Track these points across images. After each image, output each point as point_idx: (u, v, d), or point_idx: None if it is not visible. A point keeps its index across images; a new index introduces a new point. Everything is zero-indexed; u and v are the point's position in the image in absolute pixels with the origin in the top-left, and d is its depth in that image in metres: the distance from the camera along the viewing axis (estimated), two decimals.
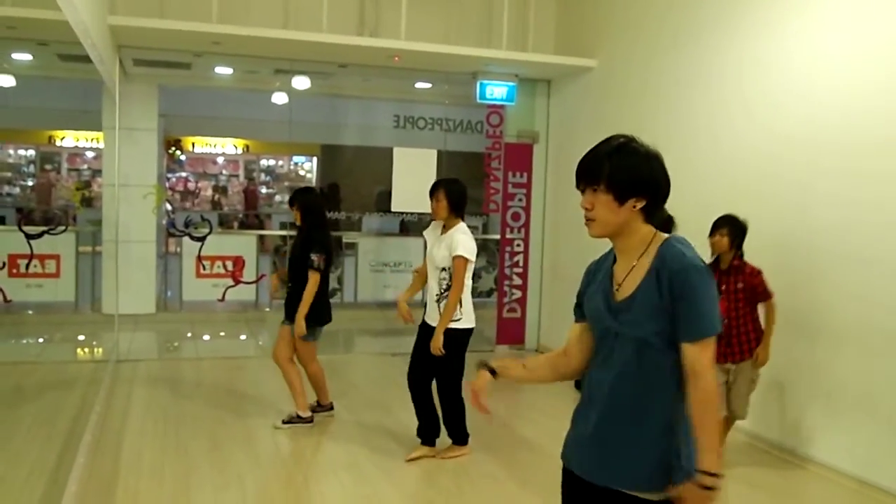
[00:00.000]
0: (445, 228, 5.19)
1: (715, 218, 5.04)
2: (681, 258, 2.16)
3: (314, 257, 5.63)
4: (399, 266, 10.42)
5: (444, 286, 5.11)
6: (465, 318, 5.12)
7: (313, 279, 5.63)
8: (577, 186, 2.30)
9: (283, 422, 5.86)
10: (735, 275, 4.96)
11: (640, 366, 2.21)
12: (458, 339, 5.14)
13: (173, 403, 6.49)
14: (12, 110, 12.42)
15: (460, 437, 5.37)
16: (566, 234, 8.86)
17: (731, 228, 4.96)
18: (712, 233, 4.98)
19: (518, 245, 9.19)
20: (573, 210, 8.97)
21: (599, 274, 2.40)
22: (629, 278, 2.25)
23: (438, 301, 5.14)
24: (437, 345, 5.00)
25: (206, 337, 9.66)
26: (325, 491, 4.81)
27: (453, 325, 5.07)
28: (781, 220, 5.61)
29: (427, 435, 5.38)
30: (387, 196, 12.40)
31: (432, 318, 5.17)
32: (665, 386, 2.20)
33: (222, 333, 9.86)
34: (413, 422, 5.44)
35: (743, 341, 5.00)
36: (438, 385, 5.30)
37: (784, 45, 5.77)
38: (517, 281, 9.18)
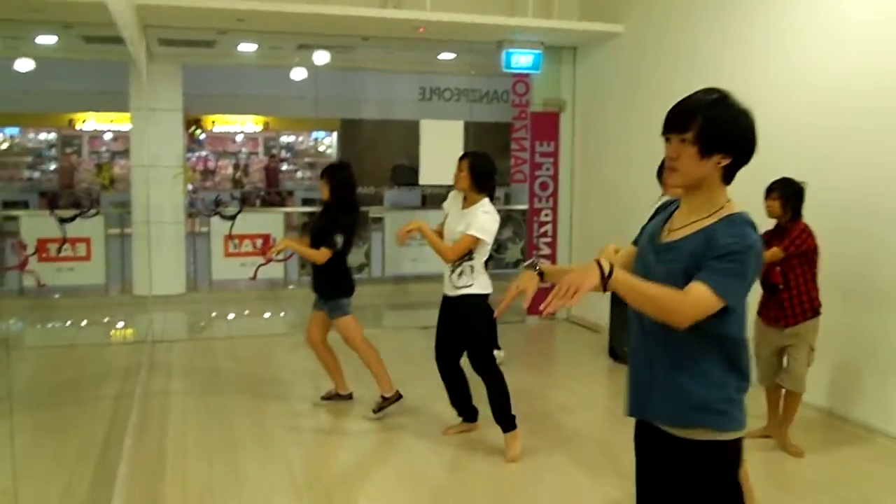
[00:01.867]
0: (467, 202, 4.96)
1: (764, 184, 4.95)
2: (740, 234, 2.17)
3: (337, 238, 5.44)
4: (425, 239, 10.38)
5: (462, 259, 4.90)
6: (477, 285, 4.90)
7: (325, 252, 5.41)
8: (664, 133, 2.28)
9: (374, 411, 5.61)
10: (786, 237, 4.86)
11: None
12: (476, 306, 4.92)
13: (212, 382, 6.53)
14: (33, 95, 12.39)
15: (507, 420, 4.93)
16: (595, 202, 8.80)
17: (781, 192, 4.86)
18: (766, 197, 4.89)
19: (546, 215, 9.13)
20: (602, 178, 8.95)
21: (653, 220, 2.47)
22: (684, 229, 2.29)
23: (454, 273, 4.93)
24: (403, 230, 4.88)
25: (238, 315, 9.70)
26: (370, 466, 4.83)
27: (466, 291, 4.89)
28: (831, 182, 5.51)
29: (464, 412, 5.29)
30: (405, 170, 12.31)
31: (449, 290, 4.99)
32: (690, 333, 2.21)
33: (252, 312, 9.90)
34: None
35: (795, 304, 4.85)
36: (472, 363, 5.00)
37: (827, 7, 5.66)
38: (546, 251, 9.14)
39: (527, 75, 8.91)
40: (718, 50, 6.69)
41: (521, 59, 8.59)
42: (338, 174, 5.66)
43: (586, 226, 9.02)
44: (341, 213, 5.55)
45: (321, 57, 9.17)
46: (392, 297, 10.34)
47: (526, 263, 2.48)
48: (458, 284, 4.91)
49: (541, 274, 2.40)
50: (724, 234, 2.17)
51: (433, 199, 11.94)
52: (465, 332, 4.99)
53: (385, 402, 5.60)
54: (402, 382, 6.41)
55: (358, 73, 12.19)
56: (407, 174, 13.26)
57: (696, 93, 2.25)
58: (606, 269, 2.12)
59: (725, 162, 2.21)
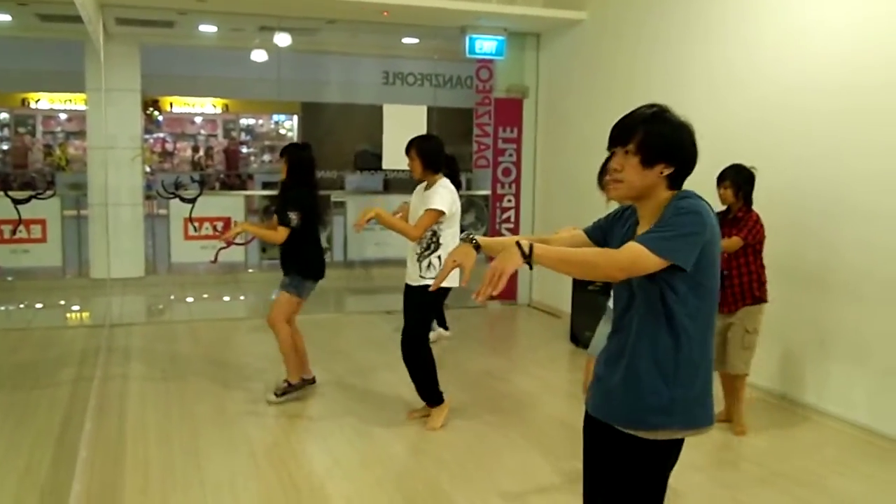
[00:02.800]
0: (427, 186, 5.08)
1: (717, 171, 5.04)
2: (682, 205, 2.24)
3: (292, 215, 5.35)
4: (385, 225, 10.37)
5: (425, 244, 4.97)
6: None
7: (282, 230, 5.36)
8: (609, 148, 2.37)
9: (276, 394, 5.61)
10: (735, 225, 4.96)
11: (638, 309, 2.32)
12: (433, 296, 4.84)
13: (172, 366, 6.47)
14: None
15: (434, 397, 5.20)
16: (557, 188, 8.87)
17: (733, 179, 4.95)
18: (718, 185, 4.97)
19: (509, 200, 9.18)
20: (564, 164, 9.00)
21: (626, 226, 2.45)
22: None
23: (419, 260, 4.99)
24: (360, 219, 4.85)
25: (197, 299, 9.62)
26: (335, 449, 4.84)
27: (426, 282, 4.94)
28: (783, 172, 5.62)
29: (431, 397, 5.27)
30: (368, 155, 12.22)
31: (412, 278, 5.05)
32: (657, 328, 2.27)
33: (212, 295, 9.81)
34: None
35: (737, 291, 4.97)
36: (404, 340, 5.10)
37: None
38: (508, 236, 9.18)
39: (490, 61, 8.94)
40: (680, 38, 6.76)
41: (485, 45, 8.60)
42: (296, 153, 5.61)
43: (548, 211, 9.09)
44: (294, 190, 5.48)
45: (283, 39, 9.09)
46: (355, 282, 10.32)
47: (461, 237, 2.50)
48: (426, 276, 4.96)
49: (477, 247, 2.39)
50: (667, 212, 2.25)
51: (395, 183, 11.92)
52: (412, 312, 5.09)
53: (290, 388, 5.64)
54: (368, 368, 6.43)
55: (321, 57, 12.09)
56: (369, 160, 13.23)
57: (637, 108, 2.36)
58: (526, 248, 2.14)
59: (668, 171, 2.28)
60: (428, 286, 4.66)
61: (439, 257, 4.92)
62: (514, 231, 9.21)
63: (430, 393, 5.19)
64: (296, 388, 5.67)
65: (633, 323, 2.33)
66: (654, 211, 2.31)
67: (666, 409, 2.26)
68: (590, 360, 4.16)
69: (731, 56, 6.21)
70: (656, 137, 2.28)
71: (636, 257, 2.17)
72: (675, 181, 2.31)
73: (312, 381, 5.87)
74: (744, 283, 4.99)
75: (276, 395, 5.59)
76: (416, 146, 5.07)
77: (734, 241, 4.87)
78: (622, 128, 2.33)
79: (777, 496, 4.28)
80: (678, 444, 2.37)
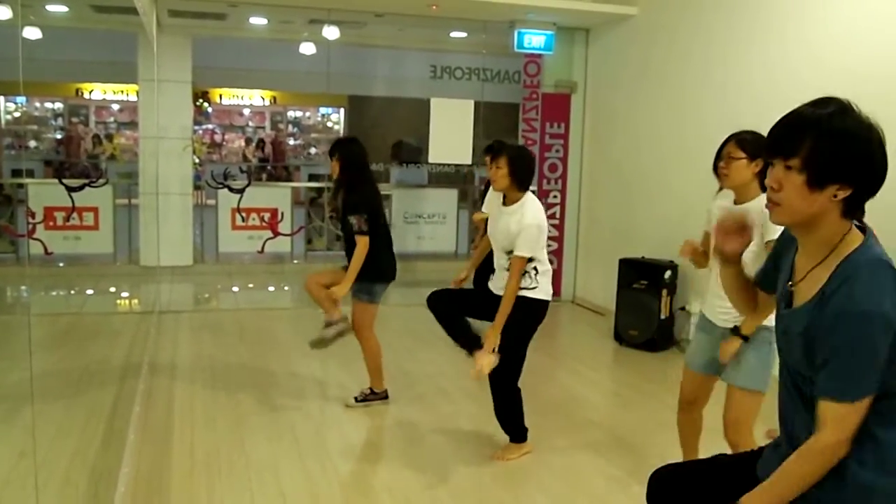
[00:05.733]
0: (507, 200, 4.45)
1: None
2: (849, 295, 1.73)
3: (353, 220, 5.05)
4: (433, 217, 10.39)
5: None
6: (540, 289, 4.36)
7: (361, 243, 5.05)
8: (767, 157, 1.87)
9: (357, 399, 5.42)
10: None
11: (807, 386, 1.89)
12: (532, 309, 4.37)
13: (219, 354, 6.56)
14: (40, 63, 12.38)
15: (518, 433, 4.64)
16: (604, 185, 8.80)
17: None
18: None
19: (555, 196, 9.13)
20: (612, 161, 8.93)
21: (787, 255, 2.01)
22: (805, 283, 1.88)
23: (506, 270, 4.40)
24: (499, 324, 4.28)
25: (244, 288, 9.74)
26: (375, 438, 4.87)
27: (525, 294, 4.33)
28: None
29: (468, 343, 4.58)
30: (407, 147, 12.19)
31: (497, 287, 4.48)
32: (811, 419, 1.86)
33: (258, 285, 9.93)
34: (456, 372, 5.46)
35: None
36: (497, 371, 4.37)
37: None
38: (553, 232, 9.13)
39: (539, 56, 8.89)
40: (736, 35, 6.64)
41: (534, 40, 8.57)
42: (347, 149, 5.29)
43: (594, 208, 9.02)
44: (352, 192, 5.18)
45: (332, 32, 9.15)
46: (398, 275, 10.34)
47: None
48: (522, 285, 4.34)
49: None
50: (833, 301, 1.76)
51: (439, 177, 11.95)
52: (510, 332, 4.33)
53: (372, 396, 5.43)
54: (410, 360, 6.46)
55: (369, 50, 12.16)
56: (409, 151, 13.25)
57: (806, 105, 1.84)
58: None
59: (844, 194, 1.76)
60: (523, 297, 4.32)
61: (535, 268, 4.34)
62: (559, 227, 9.15)
63: (516, 426, 4.63)
64: (378, 396, 5.45)
65: None
66: (822, 246, 1.82)
67: None
68: (685, 370, 3.84)
69: (791, 53, 6.04)
70: (830, 151, 1.74)
71: (840, 421, 1.75)
72: (852, 206, 1.79)
73: (385, 395, 5.53)
74: None
75: (356, 399, 5.41)
76: (509, 155, 4.35)
77: None
78: (785, 133, 1.82)
79: None
80: None
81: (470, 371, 4.41)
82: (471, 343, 4.48)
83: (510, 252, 4.34)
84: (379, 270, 5.26)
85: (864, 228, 1.85)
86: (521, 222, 4.28)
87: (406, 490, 4.13)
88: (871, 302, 1.70)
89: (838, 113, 1.78)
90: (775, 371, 2.20)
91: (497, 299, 4.37)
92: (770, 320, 3.13)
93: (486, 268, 4.86)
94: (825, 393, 1.77)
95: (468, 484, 4.25)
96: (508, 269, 4.33)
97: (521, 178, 4.36)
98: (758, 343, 3.45)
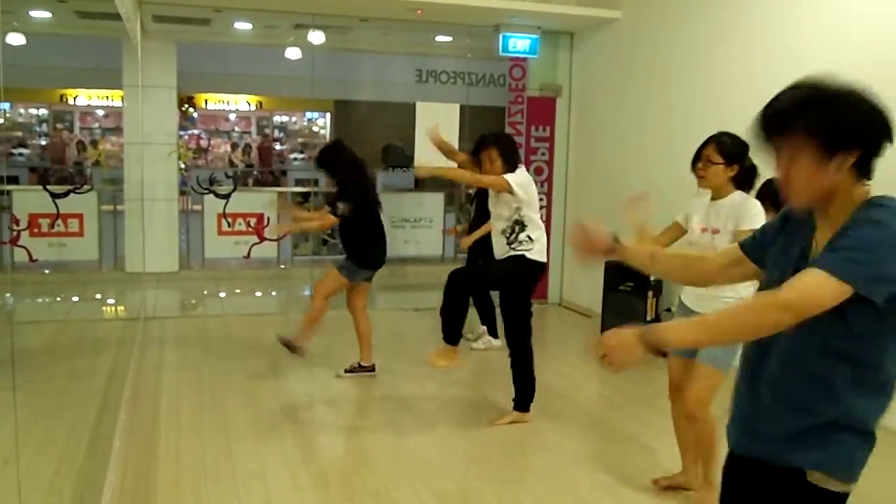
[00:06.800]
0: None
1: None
2: (867, 216, 1.73)
3: (341, 206, 5.62)
4: (419, 221, 10.39)
5: (510, 230, 4.96)
6: (536, 252, 4.94)
7: (329, 219, 5.71)
8: (763, 144, 1.85)
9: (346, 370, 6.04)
10: None
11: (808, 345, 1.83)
12: (525, 269, 4.93)
13: (205, 360, 6.54)
14: (24, 69, 12.33)
15: (524, 402, 5.15)
16: (589, 188, 8.83)
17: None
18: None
19: (541, 199, 9.06)
20: (597, 164, 8.94)
21: (795, 237, 1.94)
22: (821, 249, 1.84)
23: (509, 243, 4.95)
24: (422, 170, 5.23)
25: (231, 294, 9.71)
26: (362, 442, 4.87)
27: (522, 252, 4.90)
28: None
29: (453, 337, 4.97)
30: (396, 150, 12.15)
31: (498, 253, 5.06)
32: (826, 374, 1.82)
33: (245, 290, 9.90)
34: (442, 376, 5.47)
35: None
36: (506, 331, 5.13)
37: None
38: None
39: (524, 60, 8.91)
40: (718, 38, 6.69)
41: (519, 44, 8.59)
42: (330, 158, 5.82)
43: (580, 211, 9.04)
44: (350, 184, 5.73)
45: (317, 37, 9.15)
46: (385, 279, 10.34)
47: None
48: (517, 248, 4.93)
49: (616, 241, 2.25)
50: (854, 224, 1.75)
51: (425, 181, 11.93)
52: (508, 291, 5.09)
53: (360, 369, 6.02)
54: (395, 365, 6.45)
55: (354, 54, 12.16)
56: (398, 155, 13.24)
57: (789, 87, 1.81)
58: (654, 340, 1.80)
59: (853, 159, 1.75)
60: (518, 255, 4.89)
61: (529, 237, 4.92)
62: (546, 229, 9.15)
63: (524, 396, 5.16)
64: (365, 370, 6.03)
65: None
66: (840, 213, 1.80)
67: None
68: (670, 357, 4.05)
69: (772, 55, 6.09)
70: (828, 116, 1.73)
71: (804, 287, 1.70)
72: (863, 169, 1.77)
73: (372, 368, 6.10)
74: None
75: (346, 371, 6.04)
76: (495, 143, 4.99)
77: None
78: (775, 118, 1.80)
79: None
80: None
81: (428, 353, 4.97)
82: (455, 337, 4.89)
83: (507, 217, 4.95)
84: (367, 258, 5.82)
85: None
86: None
87: (391, 494, 4.13)
88: (885, 219, 1.70)
89: (819, 83, 1.78)
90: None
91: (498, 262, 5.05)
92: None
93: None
94: (820, 264, 1.72)
95: (451, 484, 4.25)
96: (504, 230, 4.96)
97: (510, 158, 4.96)
98: None
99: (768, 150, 1.84)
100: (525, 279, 5.01)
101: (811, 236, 1.88)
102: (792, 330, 1.74)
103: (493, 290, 5.30)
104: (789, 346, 1.85)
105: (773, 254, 1.99)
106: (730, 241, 3.49)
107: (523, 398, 5.14)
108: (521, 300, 5.09)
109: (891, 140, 1.77)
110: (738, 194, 3.76)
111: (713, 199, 3.82)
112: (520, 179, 4.91)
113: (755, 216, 3.62)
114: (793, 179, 1.80)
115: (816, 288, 1.69)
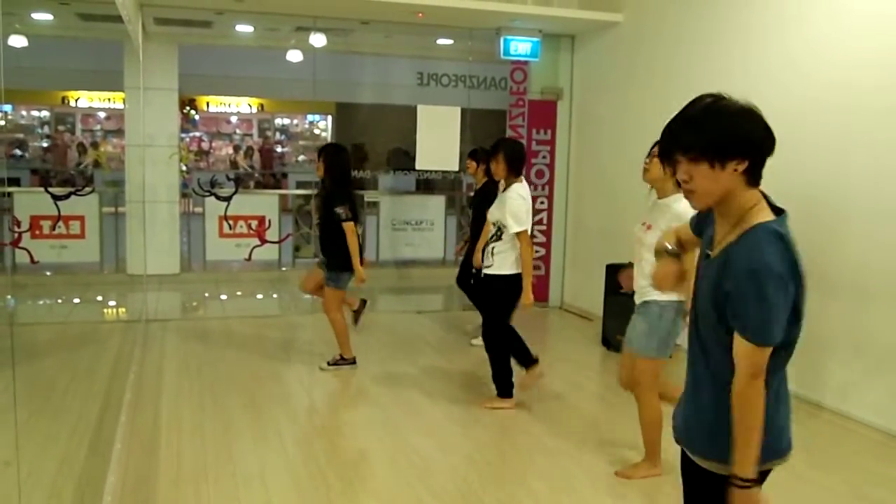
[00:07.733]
0: (505, 188, 5.42)
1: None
2: (748, 256, 2.01)
3: (339, 210, 5.85)
4: (420, 224, 10.39)
5: (493, 237, 5.39)
6: (496, 267, 5.36)
7: (349, 229, 5.88)
8: (664, 158, 2.14)
9: (329, 363, 6.28)
10: None
11: (711, 333, 2.16)
12: (507, 285, 5.34)
13: (206, 362, 6.54)
14: (26, 71, 12.34)
15: (505, 388, 5.52)
16: (590, 190, 8.84)
17: None
18: None
19: (542, 202, 9.16)
20: (598, 167, 8.95)
21: (707, 226, 2.28)
22: (720, 245, 2.14)
23: (487, 247, 5.42)
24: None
25: (232, 296, 9.72)
26: (362, 443, 4.87)
27: (493, 273, 5.36)
28: (823, 171, 5.57)
29: (526, 360, 5.67)
30: (402, 154, 12.16)
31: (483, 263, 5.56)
32: (725, 362, 2.11)
33: (246, 293, 9.91)
34: (443, 378, 5.47)
35: None
36: (483, 329, 5.54)
37: None
38: (540, 238, 9.17)
39: (525, 63, 8.93)
40: (717, 41, 6.70)
41: (520, 47, 8.60)
42: (333, 155, 6.09)
43: (581, 214, 9.05)
44: (335, 188, 6.01)
45: (318, 40, 9.16)
46: (388, 282, 10.36)
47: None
48: (487, 264, 5.42)
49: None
50: (734, 262, 2.04)
51: (428, 184, 11.95)
52: (487, 301, 5.57)
53: (342, 361, 6.27)
54: (397, 366, 6.46)
55: (355, 57, 12.17)
56: (405, 158, 13.25)
57: (687, 105, 2.10)
58: (749, 483, 2.05)
59: (742, 167, 2.03)
60: (493, 276, 5.35)
61: (493, 250, 5.35)
62: (546, 233, 9.18)
63: (503, 383, 5.53)
64: (347, 362, 6.29)
65: None
66: (732, 214, 2.10)
67: None
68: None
69: (772, 59, 6.13)
70: (719, 132, 2.01)
71: (745, 357, 2.03)
72: (754, 174, 2.06)
73: (353, 361, 6.35)
74: None
75: (328, 363, 6.28)
76: (504, 148, 5.35)
77: None
78: (677, 131, 2.09)
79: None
80: None
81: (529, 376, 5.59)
82: (528, 359, 5.55)
83: (497, 223, 5.33)
84: (346, 262, 5.99)
85: (781, 210, 2.12)
86: (508, 199, 5.27)
87: (392, 495, 4.13)
88: (761, 262, 1.98)
89: (713, 102, 2.05)
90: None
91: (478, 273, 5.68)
92: (661, 295, 3.99)
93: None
94: (741, 332, 2.03)
95: (451, 485, 4.25)
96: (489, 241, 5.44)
97: (515, 164, 5.34)
98: (645, 313, 4.16)
99: (672, 164, 2.11)
100: (510, 294, 5.37)
101: (714, 228, 2.21)
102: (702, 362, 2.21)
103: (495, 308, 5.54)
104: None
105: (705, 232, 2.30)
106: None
107: (506, 385, 5.53)
108: (504, 309, 5.51)
109: (771, 152, 2.07)
110: (676, 197, 4.00)
111: (659, 197, 4.19)
112: (520, 214, 5.26)
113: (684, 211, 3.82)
114: (694, 187, 2.08)
115: (752, 356, 2.03)
